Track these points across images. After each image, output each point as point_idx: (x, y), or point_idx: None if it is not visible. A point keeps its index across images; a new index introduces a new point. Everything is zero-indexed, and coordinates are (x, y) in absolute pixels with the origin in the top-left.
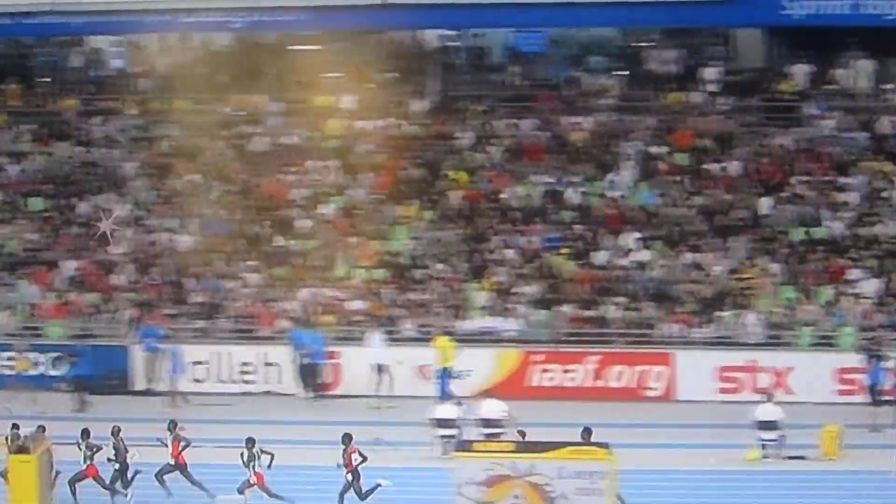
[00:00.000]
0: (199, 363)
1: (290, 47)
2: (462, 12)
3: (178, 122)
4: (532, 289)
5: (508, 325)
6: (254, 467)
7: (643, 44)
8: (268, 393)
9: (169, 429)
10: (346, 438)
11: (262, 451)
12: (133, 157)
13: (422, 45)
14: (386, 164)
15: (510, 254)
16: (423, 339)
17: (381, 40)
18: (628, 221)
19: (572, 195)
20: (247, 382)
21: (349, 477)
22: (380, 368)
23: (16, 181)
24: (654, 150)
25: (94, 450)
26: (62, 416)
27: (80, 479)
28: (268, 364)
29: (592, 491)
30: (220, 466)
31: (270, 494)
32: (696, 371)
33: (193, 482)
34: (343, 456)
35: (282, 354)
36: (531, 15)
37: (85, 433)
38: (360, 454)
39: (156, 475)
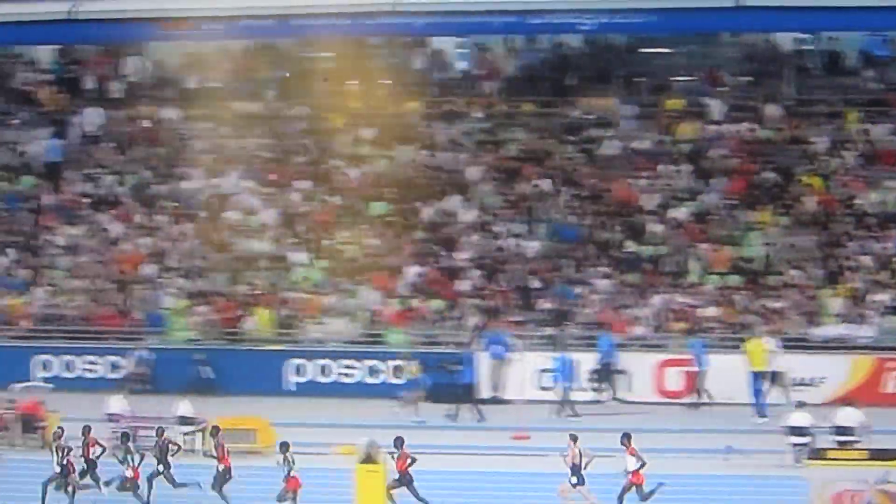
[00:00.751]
0: (547, 371)
1: (640, 49)
2: (817, 15)
3: (525, 125)
4: (887, 295)
5: (863, 332)
6: (289, 473)
7: None
8: (616, 400)
9: (212, 434)
10: (398, 442)
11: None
12: (478, 161)
13: (776, 48)
14: (739, 169)
15: (865, 260)
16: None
17: (734, 42)
18: None
19: None
20: (595, 390)
21: (400, 478)
22: (773, 376)
23: (357, 185)
24: None
25: (134, 453)
26: (436, 426)
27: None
28: (617, 371)
29: None
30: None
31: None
32: None
33: (222, 487)
34: (396, 460)
35: (631, 361)
36: (885, 18)
37: (125, 437)
38: (411, 458)
39: (213, 486)
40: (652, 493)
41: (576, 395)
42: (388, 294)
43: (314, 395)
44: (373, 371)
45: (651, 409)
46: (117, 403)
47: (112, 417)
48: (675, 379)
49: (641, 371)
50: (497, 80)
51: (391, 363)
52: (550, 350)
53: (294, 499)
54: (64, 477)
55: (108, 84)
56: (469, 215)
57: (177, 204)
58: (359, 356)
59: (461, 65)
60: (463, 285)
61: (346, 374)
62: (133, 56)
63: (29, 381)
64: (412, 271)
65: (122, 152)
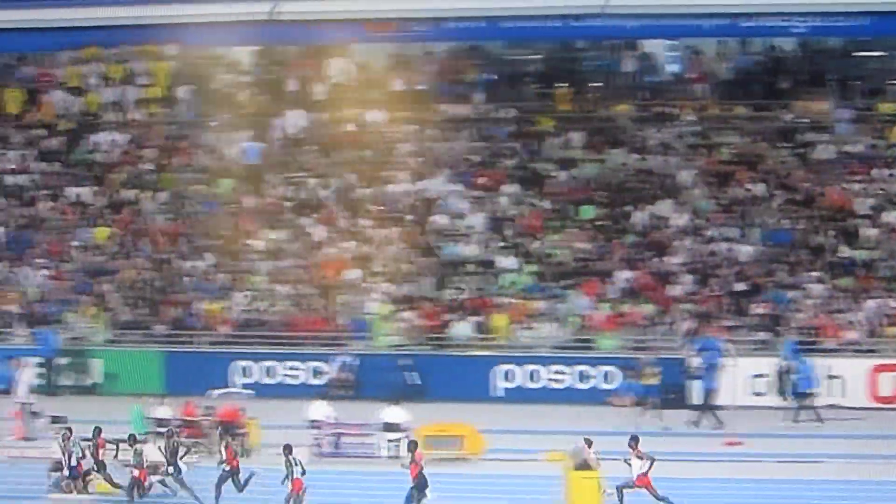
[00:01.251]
0: (760, 376)
1: (855, 53)
2: None
3: (738, 128)
4: None
5: None
6: (291, 475)
7: None
8: (831, 406)
9: (220, 436)
10: (413, 445)
11: (297, 461)
12: (690, 165)
13: None
14: None
15: None
16: None
17: None
18: None
19: None
20: (780, 395)
21: (414, 482)
22: None
23: (565, 188)
24: None
25: (142, 453)
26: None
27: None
28: (831, 377)
29: None
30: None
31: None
32: None
33: (241, 488)
34: (409, 463)
35: (845, 367)
36: None
37: (132, 438)
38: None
39: (216, 485)
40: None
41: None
42: (598, 299)
43: (522, 401)
44: (582, 377)
45: (865, 415)
46: (319, 410)
47: (314, 424)
48: (889, 384)
49: (855, 376)
50: (709, 83)
51: (601, 368)
52: (764, 355)
53: (299, 500)
54: (73, 479)
55: (310, 86)
56: (681, 219)
57: (382, 208)
58: (568, 361)
59: (673, 67)
60: (674, 290)
61: (556, 380)
62: (336, 58)
63: (228, 387)
64: (623, 276)
65: (325, 155)
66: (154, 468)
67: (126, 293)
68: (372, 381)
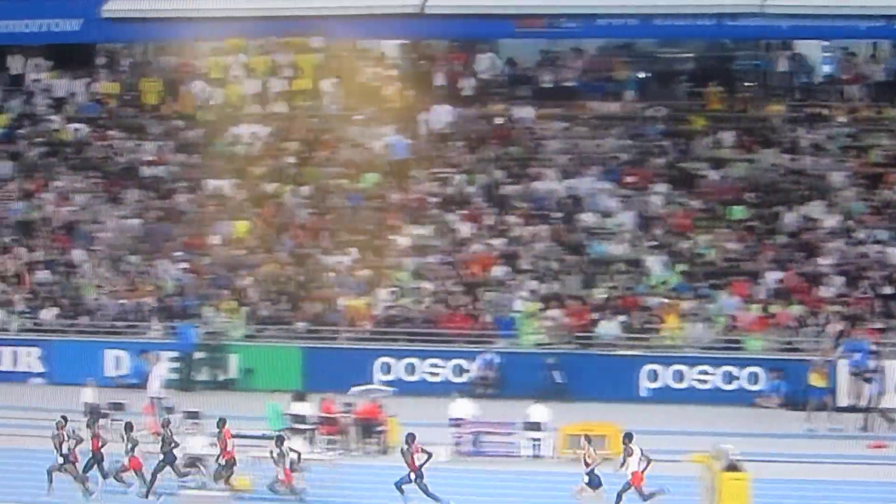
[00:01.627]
0: None
1: None
2: None
3: (890, 130)
4: None
5: None
6: (283, 465)
7: None
8: None
9: (218, 426)
10: (410, 438)
11: (291, 450)
12: (842, 166)
13: None
14: None
15: None
16: None
17: None
18: None
19: None
20: None
21: (412, 476)
22: None
23: (716, 188)
24: None
25: (136, 443)
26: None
27: (124, 471)
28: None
29: None
30: None
31: (295, 492)
32: None
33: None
34: (407, 455)
35: None
36: None
37: (128, 427)
38: (425, 452)
39: (214, 477)
40: (653, 495)
41: None
42: (746, 299)
43: (668, 401)
44: (729, 377)
45: None
46: (462, 408)
47: (455, 422)
48: None
49: None
50: (862, 85)
51: (748, 370)
52: None
53: (294, 491)
54: (65, 465)
55: (458, 81)
56: (831, 221)
57: (529, 205)
58: (714, 362)
59: (826, 69)
60: (824, 292)
61: (701, 381)
62: (485, 53)
63: (368, 384)
64: (772, 277)
65: (472, 151)
66: (293, 464)
67: (266, 288)
68: (516, 379)
